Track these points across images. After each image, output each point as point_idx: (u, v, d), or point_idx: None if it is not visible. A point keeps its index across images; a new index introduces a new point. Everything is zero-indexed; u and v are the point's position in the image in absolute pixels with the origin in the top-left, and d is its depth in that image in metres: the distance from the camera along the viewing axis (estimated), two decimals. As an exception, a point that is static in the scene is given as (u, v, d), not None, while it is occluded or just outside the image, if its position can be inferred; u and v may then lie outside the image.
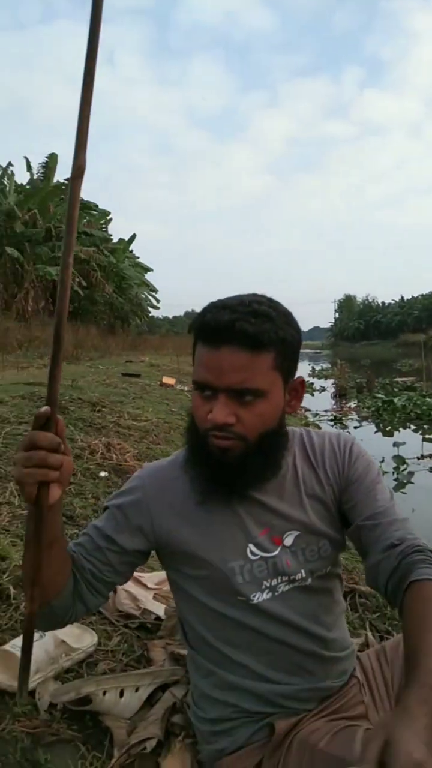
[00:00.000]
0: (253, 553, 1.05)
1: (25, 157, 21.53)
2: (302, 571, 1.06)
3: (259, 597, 1.04)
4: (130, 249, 24.89)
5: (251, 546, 1.05)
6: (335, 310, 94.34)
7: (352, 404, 11.51)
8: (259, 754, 1.04)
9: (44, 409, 0.84)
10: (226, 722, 1.08)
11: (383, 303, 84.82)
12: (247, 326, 0.93)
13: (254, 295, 1.01)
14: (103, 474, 3.10)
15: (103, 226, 23.24)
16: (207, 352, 0.96)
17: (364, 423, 9.50)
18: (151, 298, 26.55)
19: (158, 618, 1.68)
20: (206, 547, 1.05)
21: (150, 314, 28.34)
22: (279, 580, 1.05)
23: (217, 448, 0.98)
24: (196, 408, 1.00)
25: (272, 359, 0.96)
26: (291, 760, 1.00)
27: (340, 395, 12.89)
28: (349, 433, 8.10)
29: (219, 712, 1.09)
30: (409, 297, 76.77)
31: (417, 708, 0.70)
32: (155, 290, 26.38)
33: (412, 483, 5.53)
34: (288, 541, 1.06)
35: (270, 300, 1.01)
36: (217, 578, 1.04)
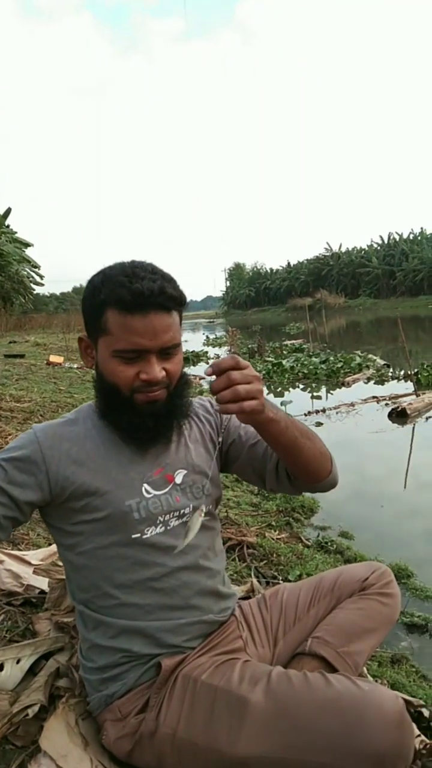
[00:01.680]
0: (147, 491, 1.13)
1: None
2: (190, 506, 1.17)
3: (153, 531, 1.13)
4: (6, 224, 23.42)
5: (146, 485, 1.14)
6: (226, 279, 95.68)
7: (244, 369, 11.79)
8: (147, 693, 1.10)
9: None
10: (115, 668, 1.13)
11: (271, 269, 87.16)
12: (172, 290, 1.06)
13: (140, 261, 1.11)
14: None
15: (-26, 199, 21.57)
16: (136, 319, 1.04)
17: (256, 386, 9.81)
18: (33, 274, 25.28)
19: (42, 592, 1.67)
20: (105, 489, 1.11)
21: (35, 291, 27.00)
22: (171, 516, 1.14)
23: (145, 403, 1.08)
24: (119, 372, 1.07)
25: (178, 315, 1.11)
26: (175, 694, 1.07)
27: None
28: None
29: (108, 659, 1.13)
30: (296, 262, 79.31)
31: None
32: (37, 266, 25.14)
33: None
34: (178, 479, 1.18)
35: (153, 264, 1.11)
36: (116, 517, 1.10)
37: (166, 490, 1.16)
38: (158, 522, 1.13)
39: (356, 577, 1.34)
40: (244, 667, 1.09)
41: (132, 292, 1.03)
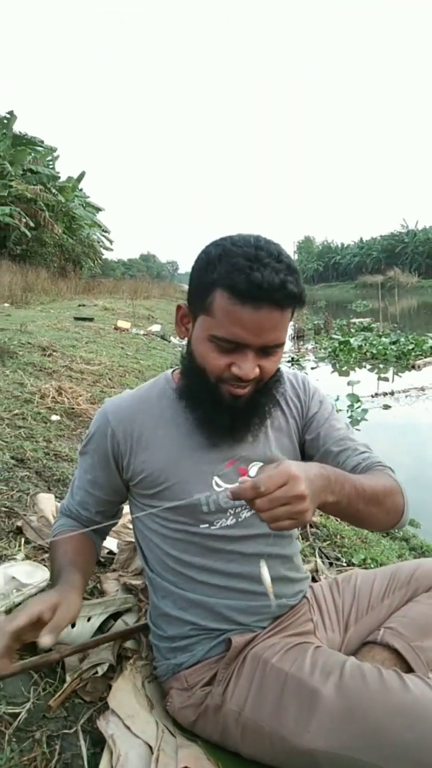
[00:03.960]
0: (218, 485, 1.09)
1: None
2: None
3: (223, 523, 1.10)
4: (80, 187, 23.78)
5: (216, 479, 1.10)
6: (295, 252, 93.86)
7: (309, 346, 11.64)
8: (215, 668, 1.09)
9: None
10: (184, 639, 1.13)
11: (342, 244, 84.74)
12: (294, 288, 0.93)
13: (267, 240, 0.98)
14: (54, 418, 3.05)
15: (50, 163, 22.04)
16: (245, 310, 0.93)
17: (321, 364, 9.65)
18: (104, 239, 25.67)
19: (111, 552, 1.69)
20: (174, 480, 1.09)
21: (104, 256, 27.46)
22: (242, 508, 1.11)
23: (230, 396, 1.01)
24: (211, 359, 0.99)
25: (291, 312, 0.98)
26: (244, 673, 1.05)
27: (298, 337, 13.00)
28: (306, 374, 8.24)
29: (177, 630, 1.13)
30: (368, 238, 76.76)
31: (317, 468, 0.89)
32: (107, 231, 25.49)
33: (366, 420, 5.70)
34: (252, 471, 1.12)
35: (280, 246, 0.99)
36: (184, 508, 1.09)
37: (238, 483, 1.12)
38: (228, 514, 1.10)
39: None
40: (316, 653, 1.05)
41: (249, 282, 0.90)
